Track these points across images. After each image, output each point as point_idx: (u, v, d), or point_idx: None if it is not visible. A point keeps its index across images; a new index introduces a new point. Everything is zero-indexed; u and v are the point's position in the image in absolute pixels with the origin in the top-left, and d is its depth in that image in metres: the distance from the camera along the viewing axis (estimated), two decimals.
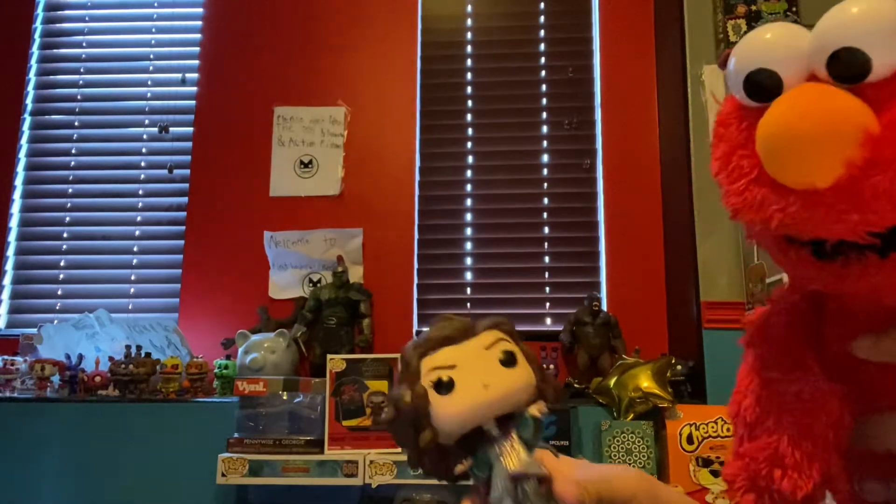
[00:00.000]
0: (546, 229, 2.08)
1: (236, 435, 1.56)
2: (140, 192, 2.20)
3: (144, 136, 2.23)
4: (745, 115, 0.40)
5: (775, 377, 0.44)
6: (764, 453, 0.42)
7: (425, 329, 0.48)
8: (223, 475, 1.50)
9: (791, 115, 0.35)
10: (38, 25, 2.32)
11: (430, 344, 0.46)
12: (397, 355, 1.62)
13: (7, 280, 2.16)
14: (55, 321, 1.99)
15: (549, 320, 2.02)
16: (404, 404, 0.44)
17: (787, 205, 0.36)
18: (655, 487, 0.45)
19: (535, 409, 0.44)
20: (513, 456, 0.42)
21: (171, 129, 2.19)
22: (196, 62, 2.24)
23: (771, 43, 0.38)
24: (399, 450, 1.58)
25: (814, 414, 0.40)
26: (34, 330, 1.93)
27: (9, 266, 2.17)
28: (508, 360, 0.44)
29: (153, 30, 2.30)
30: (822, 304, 0.46)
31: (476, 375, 0.43)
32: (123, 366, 1.75)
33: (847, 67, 0.35)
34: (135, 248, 2.17)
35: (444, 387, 0.43)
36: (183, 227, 2.14)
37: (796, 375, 0.43)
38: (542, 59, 2.17)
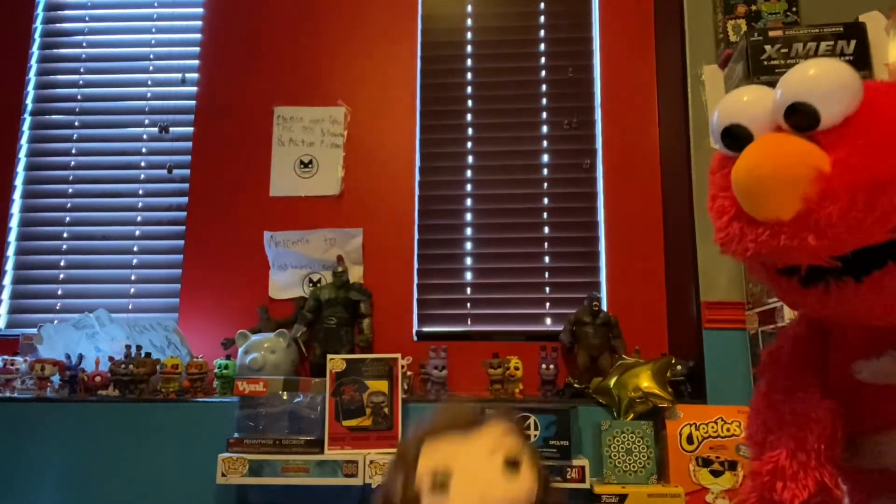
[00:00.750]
0: (546, 229, 2.08)
1: (236, 435, 1.56)
2: (140, 192, 2.21)
3: (144, 136, 2.23)
4: (725, 162, 0.46)
5: (779, 399, 0.49)
6: (767, 467, 0.46)
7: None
8: (223, 475, 1.50)
9: (756, 159, 0.42)
10: (38, 25, 2.32)
11: (433, 428, 0.44)
12: (397, 355, 1.64)
13: (7, 280, 2.17)
14: (55, 321, 1.99)
15: (549, 320, 2.02)
16: (395, 499, 0.42)
17: (758, 235, 0.42)
18: None
19: None
20: None
21: (171, 129, 2.19)
22: (196, 62, 2.24)
23: (743, 102, 0.45)
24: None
25: (808, 428, 0.44)
26: (34, 330, 1.93)
27: (9, 266, 2.17)
28: (512, 466, 0.42)
29: (153, 30, 2.30)
30: (824, 335, 0.51)
31: (474, 484, 0.41)
32: (123, 366, 1.75)
33: (801, 118, 0.41)
34: (135, 248, 2.17)
35: (438, 489, 0.41)
36: (183, 227, 2.14)
37: (797, 397, 0.48)
38: (542, 59, 2.17)
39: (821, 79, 0.40)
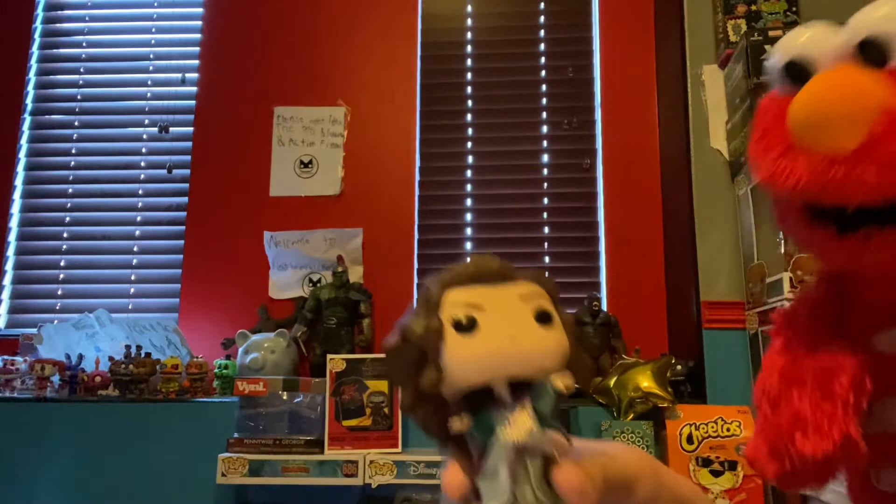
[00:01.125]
0: (546, 229, 2.08)
1: (236, 435, 1.56)
2: (140, 192, 2.21)
3: (144, 136, 2.23)
4: (782, 99, 0.44)
5: (800, 353, 0.47)
6: (786, 419, 0.44)
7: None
8: (223, 475, 1.50)
9: (822, 87, 0.40)
10: (38, 25, 2.32)
11: (457, 278, 0.39)
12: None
13: (7, 280, 2.17)
14: (55, 321, 1.99)
15: None
16: (413, 334, 0.37)
17: (814, 166, 0.40)
18: (658, 468, 0.42)
19: (560, 381, 0.37)
20: (521, 426, 0.35)
21: (171, 129, 2.19)
22: (196, 62, 2.24)
23: (808, 37, 0.44)
24: (398, 450, 1.59)
25: (835, 376, 0.43)
26: (34, 330, 1.93)
27: (9, 266, 2.17)
28: (544, 318, 0.37)
29: (153, 30, 2.30)
30: (846, 300, 0.49)
31: (505, 323, 0.36)
32: (123, 366, 1.75)
33: (872, 53, 0.40)
34: (135, 248, 2.17)
35: (464, 327, 0.36)
36: (183, 227, 2.14)
37: (821, 349, 0.46)
38: (542, 59, 2.17)
39: (894, 16, 0.39)
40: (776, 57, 0.45)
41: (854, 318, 0.48)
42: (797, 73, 0.43)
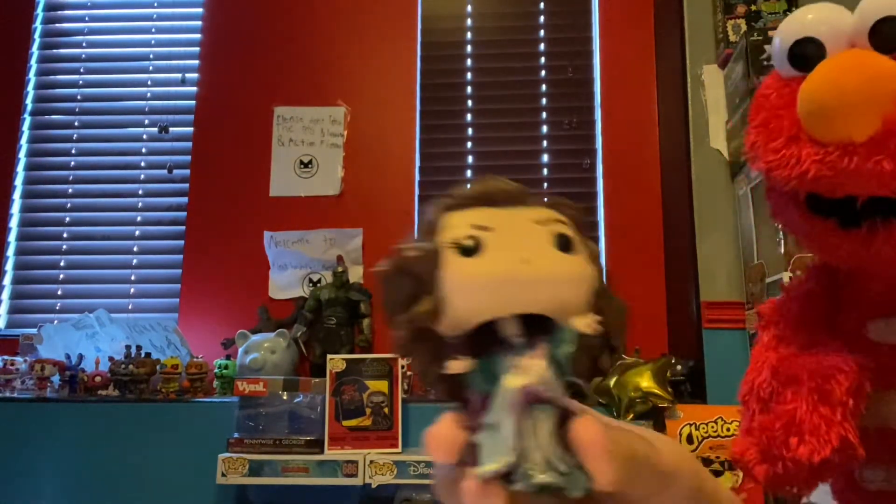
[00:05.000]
0: None
1: (236, 435, 1.56)
2: (140, 192, 2.21)
3: (144, 136, 2.23)
4: (786, 83, 0.42)
5: (792, 352, 0.45)
6: (780, 422, 0.42)
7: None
8: (223, 475, 1.50)
9: (835, 73, 0.38)
10: (38, 25, 2.32)
11: (462, 200, 0.32)
12: (397, 355, 1.63)
13: (7, 280, 2.17)
14: (55, 321, 1.99)
15: None
16: (407, 258, 0.31)
17: (826, 155, 0.37)
18: (701, 471, 0.35)
19: (583, 322, 0.29)
20: (533, 371, 0.28)
21: (171, 129, 2.19)
22: (196, 62, 2.24)
23: (815, 18, 0.41)
24: (398, 450, 1.59)
25: (835, 379, 0.41)
26: (34, 330, 1.93)
27: (9, 266, 2.17)
28: (564, 244, 0.31)
29: (153, 30, 2.30)
30: (836, 292, 0.47)
31: (516, 246, 0.30)
32: (123, 366, 1.75)
33: (887, 36, 0.38)
34: (135, 248, 2.17)
35: (467, 249, 0.30)
36: (183, 227, 2.14)
37: (816, 349, 0.44)
38: (542, 59, 2.17)
39: None
40: (781, 36, 0.42)
41: (847, 310, 0.46)
42: (805, 55, 0.41)
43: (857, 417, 0.41)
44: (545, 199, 0.33)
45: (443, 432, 0.28)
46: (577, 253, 0.31)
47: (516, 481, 0.26)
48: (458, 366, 0.29)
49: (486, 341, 0.29)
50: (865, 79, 0.37)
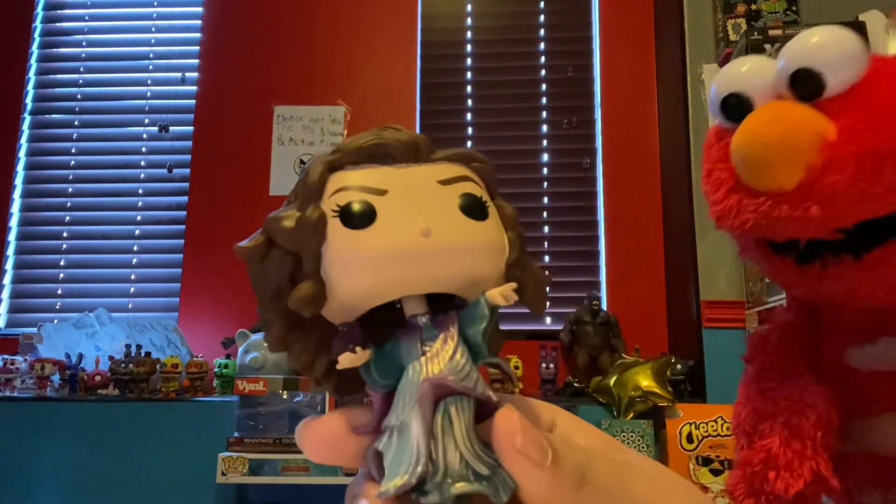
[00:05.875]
0: (546, 229, 2.08)
1: (236, 434, 1.56)
2: (140, 191, 2.21)
3: (144, 136, 2.23)
4: (723, 135, 0.44)
5: (770, 386, 0.47)
6: (759, 456, 0.43)
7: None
8: (223, 474, 1.50)
9: (757, 127, 0.40)
10: (38, 25, 2.32)
11: (349, 155, 0.26)
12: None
13: (7, 280, 2.17)
14: (55, 321, 1.99)
15: (548, 319, 2.02)
16: (281, 230, 0.27)
17: (758, 206, 0.40)
18: (619, 452, 0.27)
19: (497, 293, 0.24)
20: (443, 358, 0.23)
21: (171, 128, 2.19)
22: (196, 62, 2.24)
23: (743, 71, 0.43)
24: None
25: (803, 414, 0.42)
26: (34, 329, 1.93)
27: (9, 266, 2.17)
28: (472, 208, 0.25)
29: (153, 30, 2.30)
30: (816, 321, 0.49)
31: (416, 213, 0.24)
32: (123, 365, 1.75)
33: (806, 85, 0.39)
34: (135, 248, 2.17)
35: (356, 217, 0.24)
36: (183, 227, 2.14)
37: (788, 382, 0.45)
38: (542, 59, 2.17)
39: (826, 45, 0.39)
40: (714, 92, 0.44)
41: (828, 338, 0.48)
42: (735, 108, 0.42)
43: (830, 449, 0.42)
44: (454, 153, 0.27)
45: (318, 433, 0.25)
46: (490, 218, 0.26)
47: (429, 492, 0.22)
48: (350, 359, 0.24)
49: (384, 326, 0.25)
50: (783, 131, 0.38)
